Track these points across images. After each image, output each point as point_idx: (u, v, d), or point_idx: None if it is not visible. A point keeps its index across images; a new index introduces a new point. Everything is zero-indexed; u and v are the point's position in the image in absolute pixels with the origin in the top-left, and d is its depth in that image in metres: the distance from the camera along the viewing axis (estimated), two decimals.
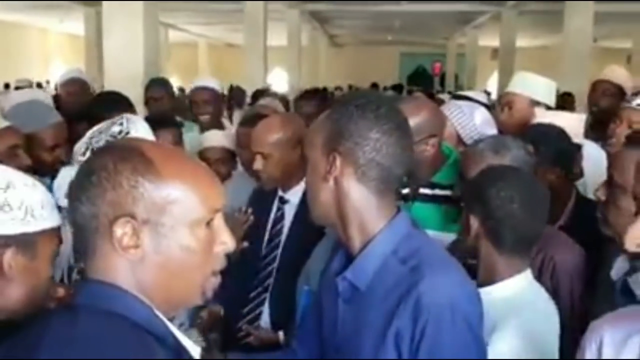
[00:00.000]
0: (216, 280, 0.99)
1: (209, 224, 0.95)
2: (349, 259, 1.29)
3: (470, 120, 2.47)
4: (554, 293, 1.72)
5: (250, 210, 2.20)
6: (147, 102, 3.62)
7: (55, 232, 1.23)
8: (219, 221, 0.98)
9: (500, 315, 1.38)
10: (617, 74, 3.53)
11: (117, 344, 0.85)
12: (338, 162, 1.23)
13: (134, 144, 0.97)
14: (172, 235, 0.92)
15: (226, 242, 0.98)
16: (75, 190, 0.93)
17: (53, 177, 2.33)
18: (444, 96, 6.09)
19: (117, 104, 2.67)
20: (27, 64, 17.93)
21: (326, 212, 1.28)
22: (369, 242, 1.25)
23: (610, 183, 1.55)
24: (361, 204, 1.24)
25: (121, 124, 1.72)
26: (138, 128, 1.74)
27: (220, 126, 3.49)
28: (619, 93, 3.38)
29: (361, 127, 1.22)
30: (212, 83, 3.72)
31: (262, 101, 4.35)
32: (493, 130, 2.51)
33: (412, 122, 1.91)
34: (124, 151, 0.93)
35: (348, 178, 1.23)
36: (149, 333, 0.89)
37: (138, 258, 0.91)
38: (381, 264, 1.23)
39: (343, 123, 1.23)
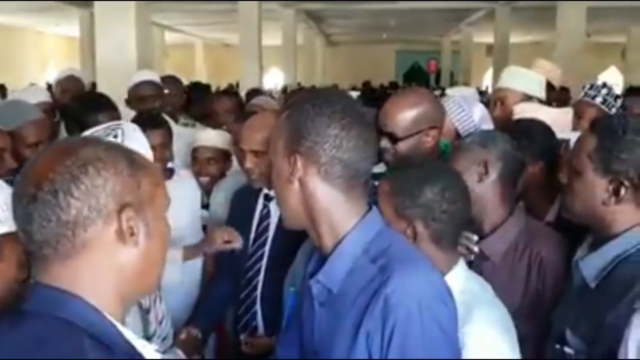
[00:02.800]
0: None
1: None
2: (324, 260, 1.25)
3: (469, 116, 2.46)
4: (542, 288, 1.72)
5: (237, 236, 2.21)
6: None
7: None
8: None
9: (464, 307, 1.33)
10: (544, 70, 3.58)
11: (51, 349, 0.84)
12: (299, 162, 1.20)
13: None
14: (156, 222, 0.96)
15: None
16: (62, 184, 0.88)
17: None
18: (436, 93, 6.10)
19: (102, 106, 2.63)
20: (23, 67, 17.90)
21: (296, 215, 1.25)
22: (339, 243, 1.21)
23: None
24: (329, 203, 1.21)
25: (115, 136, 1.64)
26: (132, 140, 1.66)
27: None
28: (547, 86, 3.45)
29: (318, 125, 1.18)
30: (155, 76, 3.58)
31: (256, 100, 4.34)
32: (490, 127, 2.49)
33: (414, 112, 1.92)
34: (108, 144, 0.96)
35: (312, 178, 1.20)
36: (97, 339, 0.87)
37: (128, 246, 0.92)
38: (352, 265, 1.19)
39: (300, 123, 1.20)
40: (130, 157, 0.95)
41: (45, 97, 3.41)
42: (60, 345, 0.85)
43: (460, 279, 1.46)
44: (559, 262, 1.73)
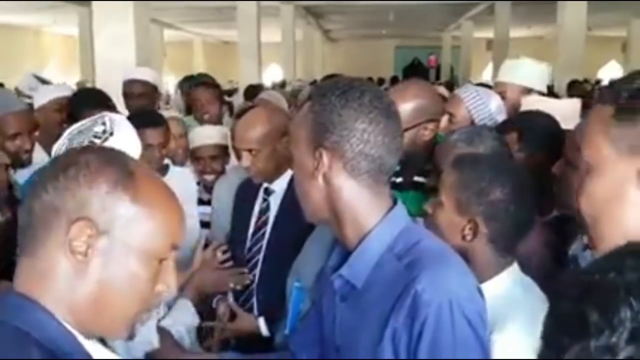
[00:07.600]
0: (147, 317, 0.97)
1: (162, 260, 0.93)
2: (347, 255, 1.22)
3: (486, 106, 2.43)
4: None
5: (224, 248, 2.16)
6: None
7: None
8: (171, 261, 0.95)
9: (500, 313, 1.29)
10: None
11: None
12: (325, 158, 1.16)
13: (122, 154, 0.95)
14: (125, 257, 0.89)
15: (170, 285, 0.96)
16: (46, 177, 0.88)
17: (17, 166, 2.33)
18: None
19: (97, 101, 2.65)
20: (22, 66, 17.84)
21: (318, 210, 1.22)
22: (364, 238, 1.18)
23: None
24: (354, 199, 1.18)
25: (104, 123, 1.63)
26: (121, 129, 1.66)
27: None
28: None
29: (345, 119, 1.14)
30: (148, 75, 3.58)
31: (264, 94, 4.33)
32: (504, 118, 2.46)
33: (412, 105, 1.92)
34: (112, 157, 0.91)
35: (337, 174, 1.16)
36: (50, 351, 0.83)
37: (80, 267, 0.87)
38: (377, 261, 1.17)
39: (326, 116, 1.15)
40: (127, 180, 0.89)
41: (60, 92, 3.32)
42: (3, 355, 0.81)
43: (506, 282, 1.40)
44: (537, 265, 1.64)
